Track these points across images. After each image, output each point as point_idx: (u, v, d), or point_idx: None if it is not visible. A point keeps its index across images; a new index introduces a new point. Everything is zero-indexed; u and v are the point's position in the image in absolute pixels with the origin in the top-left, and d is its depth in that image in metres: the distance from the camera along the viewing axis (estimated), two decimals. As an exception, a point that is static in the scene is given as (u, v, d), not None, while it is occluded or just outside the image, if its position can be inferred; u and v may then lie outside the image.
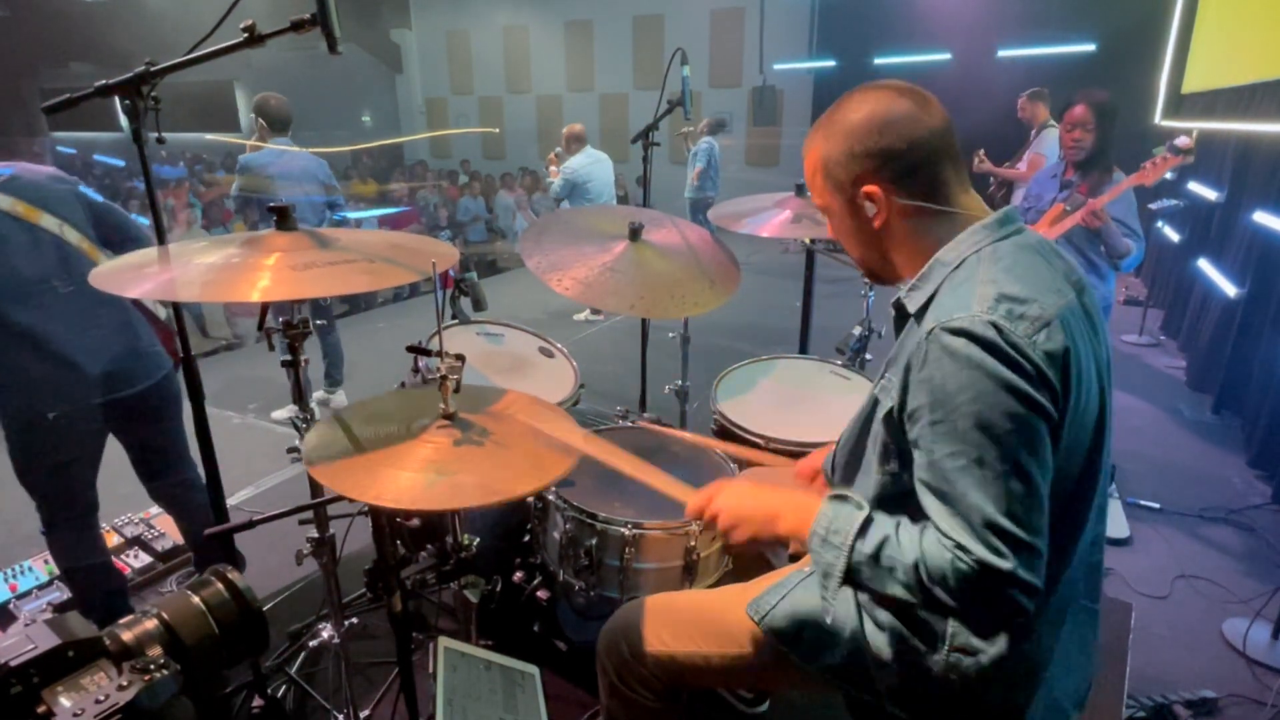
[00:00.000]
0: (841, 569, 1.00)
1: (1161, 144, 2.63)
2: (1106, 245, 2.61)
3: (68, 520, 2.00)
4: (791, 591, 1.21)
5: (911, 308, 1.07)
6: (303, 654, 2.00)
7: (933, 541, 0.94)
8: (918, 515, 0.99)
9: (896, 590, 0.98)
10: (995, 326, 0.91)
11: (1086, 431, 1.00)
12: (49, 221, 1.82)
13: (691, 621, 1.28)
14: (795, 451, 1.89)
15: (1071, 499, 1.02)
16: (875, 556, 0.98)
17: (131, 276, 1.26)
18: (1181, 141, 2.53)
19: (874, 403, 1.12)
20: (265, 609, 0.83)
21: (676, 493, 1.24)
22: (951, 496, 0.93)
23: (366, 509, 1.36)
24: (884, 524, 1.01)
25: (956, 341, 0.92)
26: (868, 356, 2.71)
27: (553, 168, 5.58)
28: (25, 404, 1.84)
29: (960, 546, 0.91)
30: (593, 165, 5.47)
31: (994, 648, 1.00)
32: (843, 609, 1.12)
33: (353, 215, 8.03)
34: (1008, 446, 0.90)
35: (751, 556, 1.68)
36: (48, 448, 1.90)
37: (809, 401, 2.15)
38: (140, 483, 2.18)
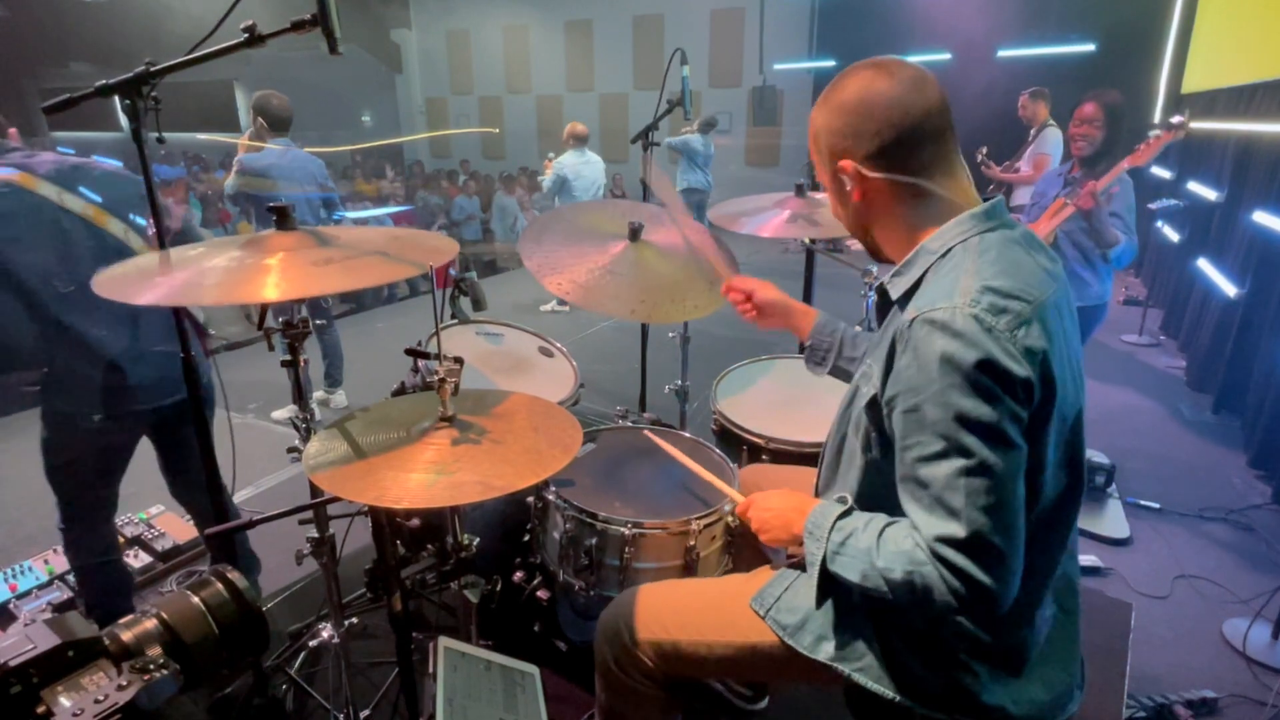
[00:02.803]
0: (819, 558, 1.05)
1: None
2: (1095, 231, 2.62)
3: (89, 518, 2.01)
4: (794, 583, 1.22)
5: (894, 294, 1.08)
6: (303, 654, 2.00)
7: (904, 535, 0.96)
8: (898, 508, 1.01)
9: (855, 578, 1.01)
10: (976, 319, 0.91)
11: (1066, 430, 0.99)
12: (115, 226, 1.82)
13: (695, 610, 1.28)
14: (795, 451, 1.90)
15: (1057, 505, 1.02)
16: (842, 544, 1.03)
17: (137, 282, 1.26)
18: (1176, 119, 2.52)
19: (854, 390, 1.14)
20: (265, 609, 0.83)
21: (728, 491, 1.44)
22: (926, 494, 0.94)
23: (366, 509, 1.36)
24: (857, 518, 1.05)
25: (935, 332, 0.92)
26: (868, 356, 2.71)
27: (549, 169, 5.84)
28: (73, 405, 1.85)
29: (937, 554, 0.92)
30: (582, 165, 5.75)
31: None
32: (843, 588, 1.14)
33: (352, 215, 8.03)
34: (980, 442, 0.90)
35: (750, 555, 1.69)
36: (85, 449, 1.91)
37: (809, 401, 2.15)
38: (163, 481, 2.19)
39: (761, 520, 1.22)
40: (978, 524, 0.90)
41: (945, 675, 1.06)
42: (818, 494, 1.28)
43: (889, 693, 1.09)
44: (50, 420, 1.88)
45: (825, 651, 1.14)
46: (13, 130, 1.91)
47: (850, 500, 1.12)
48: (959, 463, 0.91)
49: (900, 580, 0.94)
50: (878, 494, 1.07)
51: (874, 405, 1.04)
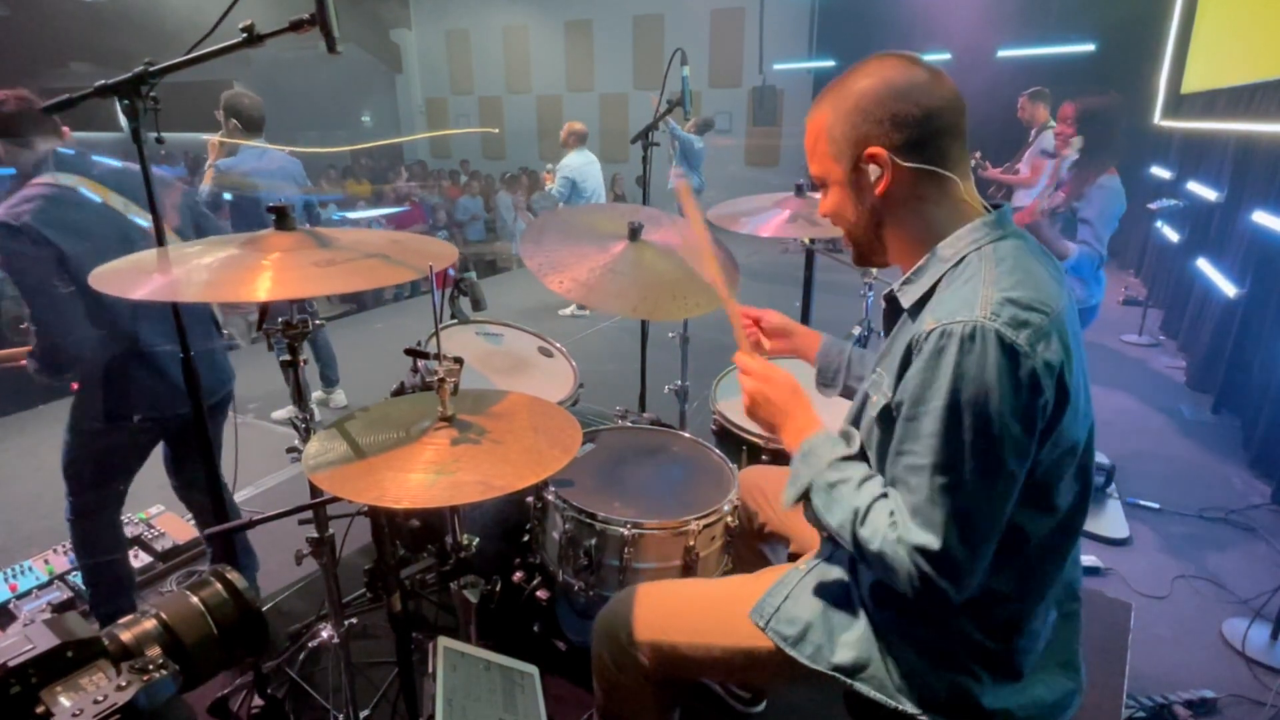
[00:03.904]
0: (804, 482, 1.07)
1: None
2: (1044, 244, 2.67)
3: (100, 511, 2.04)
4: (793, 591, 1.21)
5: (906, 302, 1.06)
6: (303, 654, 2.00)
7: (888, 521, 0.97)
8: None
9: (832, 522, 1.03)
10: (999, 336, 0.89)
11: (1079, 443, 0.99)
12: (174, 239, 1.83)
13: (695, 612, 1.28)
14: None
15: (1068, 516, 1.01)
16: (832, 485, 1.04)
17: (132, 277, 1.26)
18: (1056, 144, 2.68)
19: (864, 399, 1.12)
20: (265, 609, 0.83)
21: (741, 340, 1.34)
22: (911, 499, 0.95)
23: (366, 509, 1.36)
24: (854, 469, 1.05)
25: (952, 345, 0.91)
26: (868, 356, 2.71)
27: (549, 181, 5.76)
28: (117, 405, 1.88)
29: (910, 556, 0.93)
30: (587, 166, 5.70)
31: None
32: (841, 595, 1.16)
33: (353, 215, 8.03)
34: (974, 466, 0.90)
35: (750, 556, 1.69)
36: (112, 447, 1.95)
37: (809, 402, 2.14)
38: (163, 481, 2.20)
39: (759, 398, 1.21)
40: (950, 541, 0.91)
41: (949, 681, 1.06)
42: None
43: (891, 702, 1.08)
44: (89, 415, 1.92)
45: (826, 662, 1.13)
46: (66, 129, 1.92)
47: (858, 440, 1.10)
48: (946, 479, 0.91)
49: (874, 552, 0.97)
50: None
51: (886, 414, 1.02)
